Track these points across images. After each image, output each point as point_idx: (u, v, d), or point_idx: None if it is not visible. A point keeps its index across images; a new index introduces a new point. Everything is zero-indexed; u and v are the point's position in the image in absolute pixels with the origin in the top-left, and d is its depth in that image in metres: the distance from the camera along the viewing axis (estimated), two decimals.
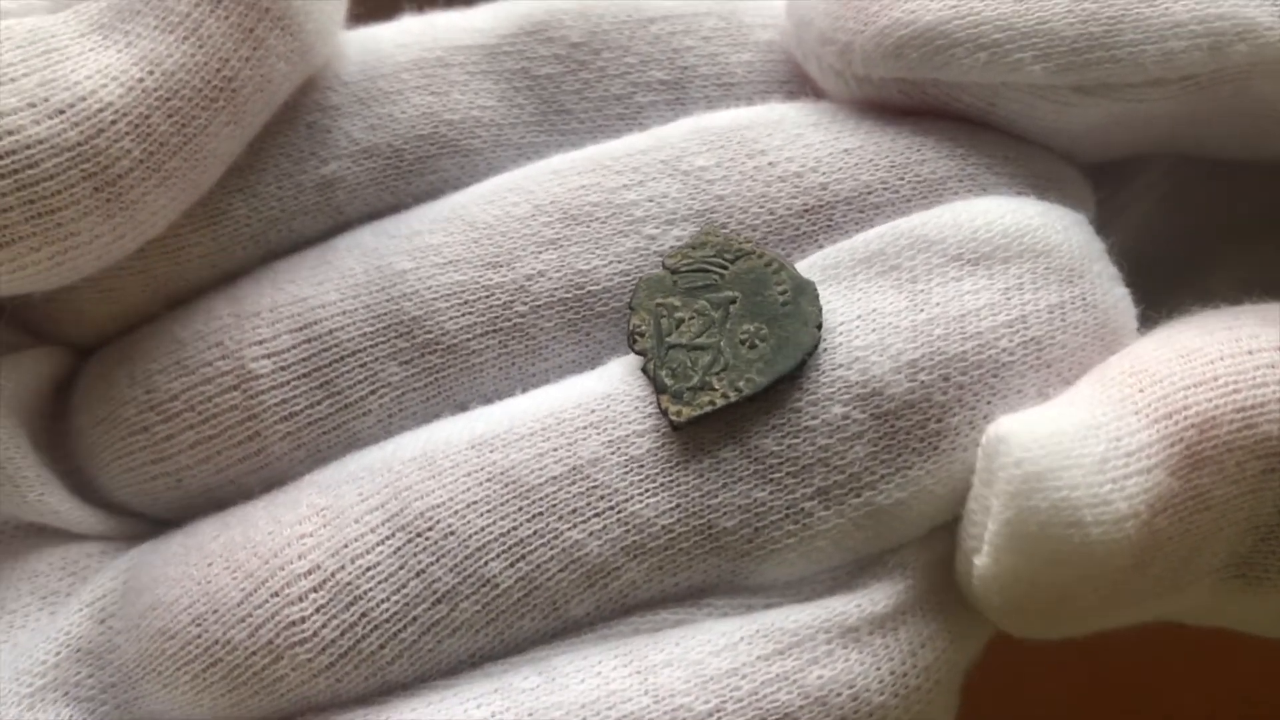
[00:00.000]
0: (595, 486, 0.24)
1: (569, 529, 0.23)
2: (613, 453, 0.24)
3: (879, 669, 0.23)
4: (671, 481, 0.24)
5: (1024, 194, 0.26)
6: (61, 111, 0.24)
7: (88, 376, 0.28)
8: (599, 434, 0.24)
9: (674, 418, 0.24)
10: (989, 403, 0.24)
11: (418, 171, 0.27)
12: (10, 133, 0.23)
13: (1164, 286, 0.26)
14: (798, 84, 0.28)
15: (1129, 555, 0.22)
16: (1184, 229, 0.29)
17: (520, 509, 0.24)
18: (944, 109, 0.26)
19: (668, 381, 0.24)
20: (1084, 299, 0.24)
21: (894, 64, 0.25)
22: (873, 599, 0.24)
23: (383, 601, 0.24)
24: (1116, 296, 0.25)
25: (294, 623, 0.24)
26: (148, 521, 0.27)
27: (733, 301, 0.24)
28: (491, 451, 0.24)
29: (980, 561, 0.23)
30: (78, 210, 0.24)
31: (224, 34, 0.25)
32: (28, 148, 0.23)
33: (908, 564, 0.24)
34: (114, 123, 0.24)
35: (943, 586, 0.24)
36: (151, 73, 0.25)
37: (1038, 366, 0.24)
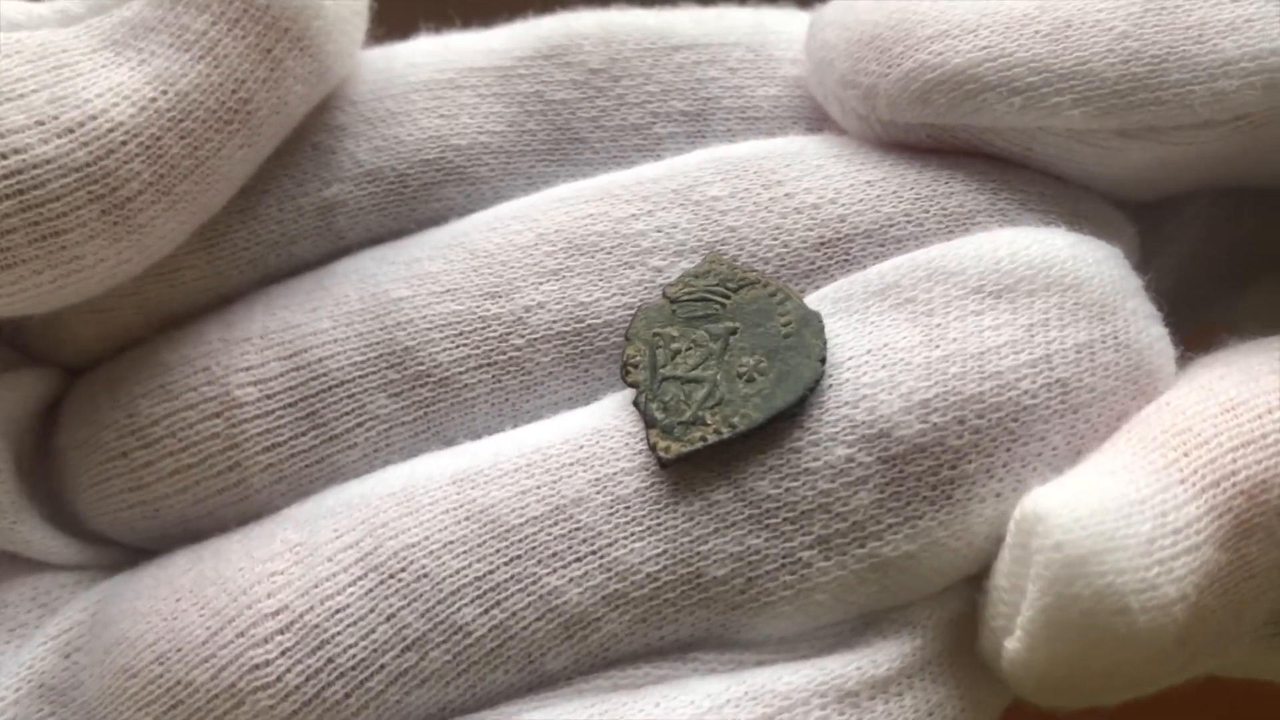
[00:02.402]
0: (578, 528, 0.22)
1: (548, 574, 0.22)
2: (598, 492, 0.22)
3: None
4: (659, 525, 0.22)
5: (1054, 225, 0.24)
6: (71, 130, 0.23)
7: (73, 398, 0.27)
8: (585, 471, 0.22)
9: (662, 454, 0.22)
10: (1008, 449, 0.22)
11: (421, 198, 0.26)
12: (17, 151, 0.23)
13: (1199, 317, 0.24)
14: (824, 121, 0.26)
15: (1174, 637, 0.20)
16: (1225, 257, 0.27)
17: (498, 551, 0.22)
18: (976, 152, 0.25)
19: (658, 415, 0.22)
20: (1116, 338, 0.23)
21: (921, 110, 0.24)
22: (875, 661, 0.22)
23: (350, 647, 0.22)
24: (1153, 336, 0.23)
25: (258, 665, 0.22)
26: (126, 551, 0.26)
27: (733, 332, 0.23)
28: (472, 488, 0.23)
29: (1012, 646, 0.21)
30: (84, 233, 0.23)
31: (241, 54, 0.24)
32: (34, 167, 0.23)
33: (917, 623, 0.22)
34: (124, 143, 0.23)
35: (955, 649, 0.22)
36: (165, 92, 0.24)
37: (1063, 411, 0.22)
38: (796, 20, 0.27)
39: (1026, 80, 0.23)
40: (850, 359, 0.22)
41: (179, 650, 0.23)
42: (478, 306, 0.24)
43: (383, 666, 0.22)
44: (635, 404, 0.23)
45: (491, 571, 0.22)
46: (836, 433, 0.22)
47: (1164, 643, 0.20)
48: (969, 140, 0.24)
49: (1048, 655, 0.20)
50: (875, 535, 0.22)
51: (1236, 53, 0.22)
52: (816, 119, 0.26)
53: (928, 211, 0.24)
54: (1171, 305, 0.24)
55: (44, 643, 0.25)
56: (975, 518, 0.22)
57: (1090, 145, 0.24)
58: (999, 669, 0.22)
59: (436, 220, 0.26)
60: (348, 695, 0.22)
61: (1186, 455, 0.21)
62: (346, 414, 0.25)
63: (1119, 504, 0.21)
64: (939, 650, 0.22)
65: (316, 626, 0.22)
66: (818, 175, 0.24)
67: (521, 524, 0.22)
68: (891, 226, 0.24)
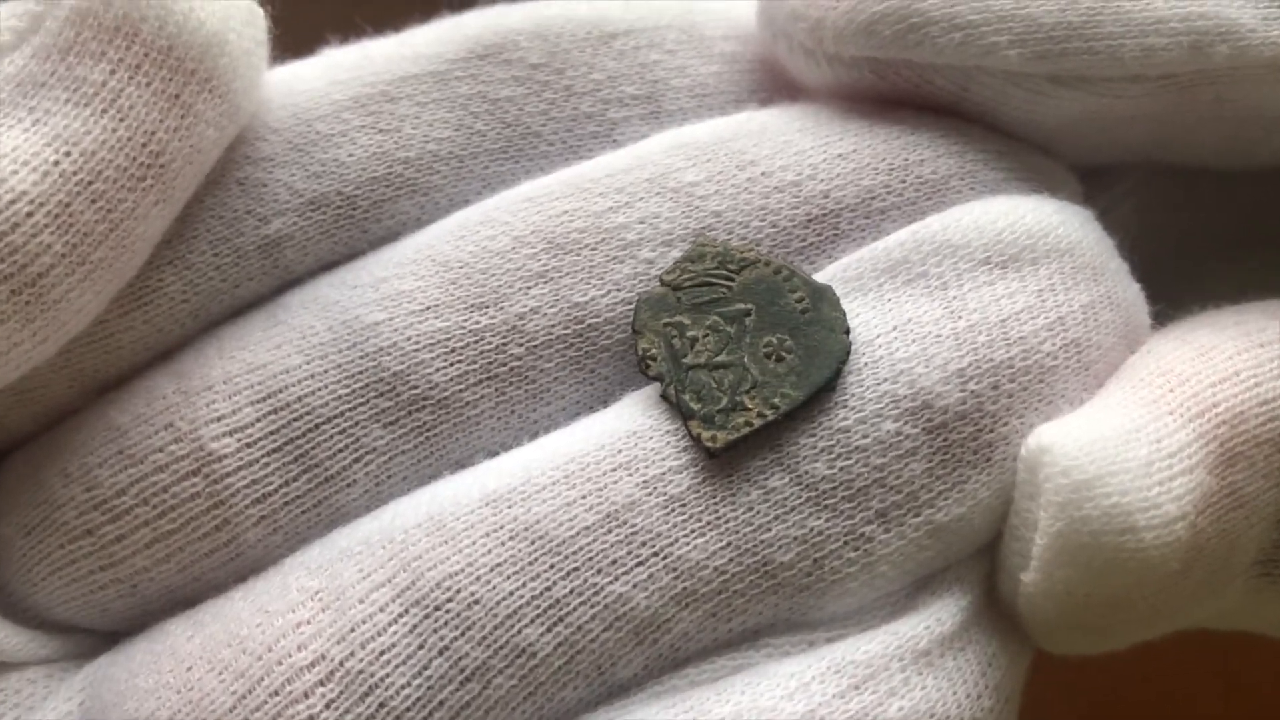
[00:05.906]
0: (635, 533, 0.22)
1: (610, 583, 0.21)
2: (649, 494, 0.22)
3: (955, 693, 0.22)
4: (719, 519, 0.22)
5: (1025, 189, 0.25)
6: None
7: (10, 481, 0.25)
8: (630, 475, 0.22)
9: (709, 444, 0.22)
10: (1036, 409, 0.23)
11: (373, 217, 0.25)
12: None
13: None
14: (769, 93, 0.27)
15: (1179, 559, 0.22)
16: (1161, 242, 0.29)
17: (552, 566, 0.22)
18: (916, 93, 0.25)
19: (694, 405, 0.22)
20: (1109, 297, 0.24)
21: (866, 42, 0.24)
22: (939, 619, 0.22)
23: (403, 687, 0.21)
24: (1134, 293, 0.25)
25: None
26: (95, 637, 0.24)
27: (747, 314, 0.23)
28: (510, 507, 0.22)
29: (1029, 578, 0.22)
30: None
31: (147, 103, 0.23)
32: None
33: (965, 579, 0.23)
34: (30, 215, 0.22)
35: (994, 603, 0.23)
36: (68, 154, 0.22)
37: (1078, 369, 0.23)
38: (723, 2, 0.27)
39: (968, 18, 0.24)
40: (878, 336, 0.23)
41: None
42: (465, 320, 0.24)
43: (443, 702, 0.21)
44: (665, 397, 0.22)
45: (549, 588, 0.21)
46: (881, 409, 0.22)
47: (1169, 565, 0.22)
48: (909, 78, 0.25)
49: (1063, 581, 0.21)
50: (929, 503, 0.22)
51: (1168, 12, 0.24)
52: (762, 91, 0.27)
53: (904, 181, 0.24)
54: None
55: None
56: (1010, 475, 0.23)
57: (1024, 89, 0.24)
58: (1016, 609, 0.23)
59: (390, 238, 0.25)
60: None
61: (1172, 391, 0.23)
62: (340, 451, 0.23)
63: (1117, 433, 0.22)
64: (985, 604, 0.23)
65: (361, 672, 0.21)
66: (789, 151, 0.25)
67: (573, 536, 0.22)
68: (874, 199, 0.24)
